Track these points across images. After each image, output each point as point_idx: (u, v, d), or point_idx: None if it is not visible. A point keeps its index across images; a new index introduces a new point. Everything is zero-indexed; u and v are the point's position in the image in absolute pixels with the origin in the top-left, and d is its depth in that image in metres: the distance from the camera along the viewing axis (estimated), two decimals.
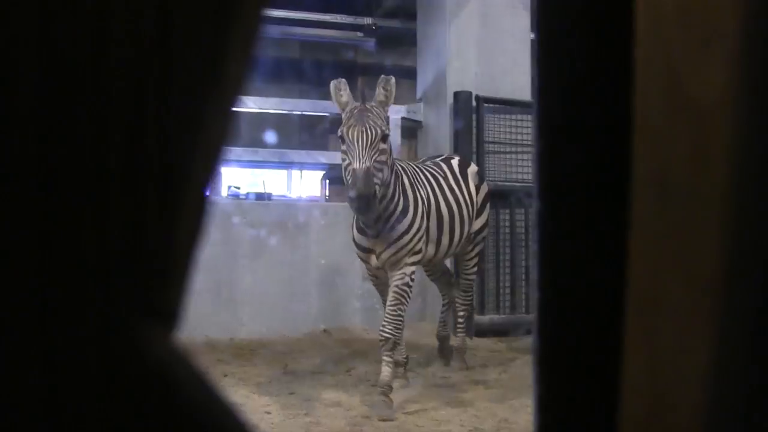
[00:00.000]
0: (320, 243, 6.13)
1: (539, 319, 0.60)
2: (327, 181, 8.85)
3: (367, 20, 8.78)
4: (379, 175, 3.65)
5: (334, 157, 7.39)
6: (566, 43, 0.57)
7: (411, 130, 7.19)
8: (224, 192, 7.47)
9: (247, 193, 7.33)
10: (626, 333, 0.53)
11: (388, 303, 3.98)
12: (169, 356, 0.44)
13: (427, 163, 4.70)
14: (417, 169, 4.37)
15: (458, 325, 4.91)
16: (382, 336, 3.93)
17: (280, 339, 5.58)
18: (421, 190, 4.19)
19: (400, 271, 3.98)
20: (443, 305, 5.05)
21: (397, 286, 3.98)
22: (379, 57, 9.24)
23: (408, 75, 8.13)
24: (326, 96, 8.44)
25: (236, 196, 7.36)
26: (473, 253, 4.84)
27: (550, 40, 0.58)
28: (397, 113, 7.02)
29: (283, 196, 9.09)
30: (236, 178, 9.51)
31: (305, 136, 8.90)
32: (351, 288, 6.25)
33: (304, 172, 10.35)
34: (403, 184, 4.05)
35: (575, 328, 0.57)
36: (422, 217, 4.08)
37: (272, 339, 5.62)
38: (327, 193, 8.80)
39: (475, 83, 6.43)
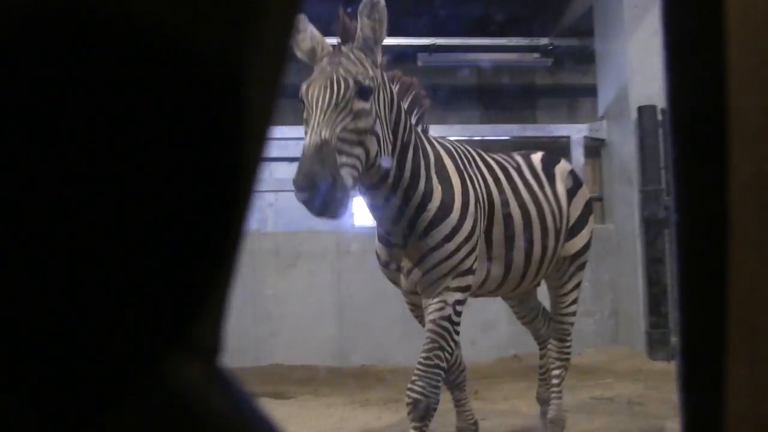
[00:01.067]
0: None
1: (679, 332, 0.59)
2: None
3: (543, 41, 8.70)
4: (354, 152, 2.38)
5: None
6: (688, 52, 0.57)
7: (594, 149, 7.03)
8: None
9: None
10: (729, 352, 0.51)
11: (422, 348, 2.79)
12: (205, 387, 0.43)
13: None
14: (467, 152, 3.08)
15: (553, 389, 3.59)
16: (409, 397, 2.76)
17: (471, 365, 5.58)
18: (475, 180, 2.94)
19: (438, 300, 2.75)
20: (541, 357, 3.83)
21: (433, 321, 2.75)
22: (557, 77, 9.11)
23: (588, 93, 7.97)
24: (507, 120, 8.45)
25: None
26: (569, 286, 3.49)
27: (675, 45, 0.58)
28: (579, 132, 6.90)
29: None
30: None
31: None
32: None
33: None
34: (442, 167, 2.83)
35: (699, 342, 0.56)
36: (475, 219, 2.82)
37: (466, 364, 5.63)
38: None
39: (660, 97, 6.20)
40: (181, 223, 0.39)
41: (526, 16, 8.88)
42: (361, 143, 2.40)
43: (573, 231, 3.41)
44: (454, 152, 2.97)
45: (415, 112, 2.95)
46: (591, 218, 3.53)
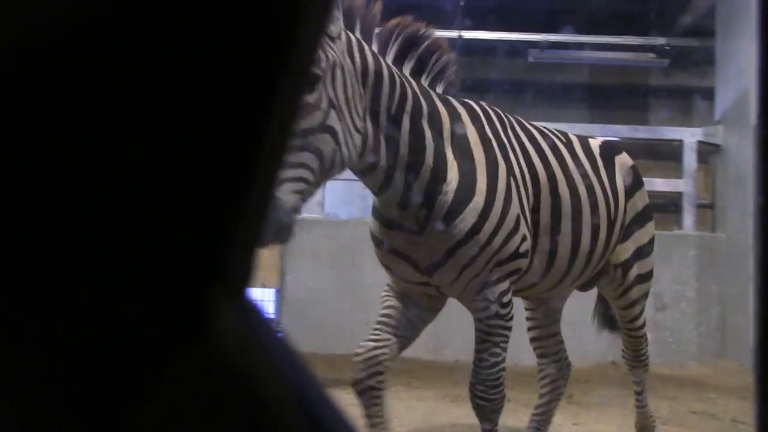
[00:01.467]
0: None
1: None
2: None
3: (660, 40, 8.43)
4: (298, 160, 1.95)
5: None
6: None
7: (708, 154, 6.78)
8: None
9: None
10: None
11: (475, 349, 2.52)
12: (236, 319, 0.43)
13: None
14: (503, 117, 2.60)
15: (636, 397, 3.36)
16: (473, 402, 2.54)
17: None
18: (512, 149, 2.47)
19: (479, 298, 2.40)
20: (541, 394, 3.42)
21: (480, 321, 2.45)
22: (672, 78, 8.82)
23: (705, 96, 7.68)
24: (617, 120, 8.24)
25: None
26: (631, 296, 3.09)
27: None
28: (693, 136, 6.66)
29: None
30: None
31: None
32: None
33: None
34: (461, 136, 2.36)
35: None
36: (510, 196, 2.36)
37: None
38: None
39: None
40: (203, 154, 0.40)
41: (643, 15, 8.63)
42: (306, 147, 1.96)
43: (626, 234, 2.98)
44: (482, 116, 2.45)
45: (438, 73, 2.45)
46: (650, 225, 3.14)
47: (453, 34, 8.39)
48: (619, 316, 3.19)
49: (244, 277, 0.44)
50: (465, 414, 4.05)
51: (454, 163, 2.30)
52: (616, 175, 2.96)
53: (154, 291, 0.39)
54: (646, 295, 3.16)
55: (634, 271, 3.04)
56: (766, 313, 0.57)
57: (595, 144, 3.02)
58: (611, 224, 2.83)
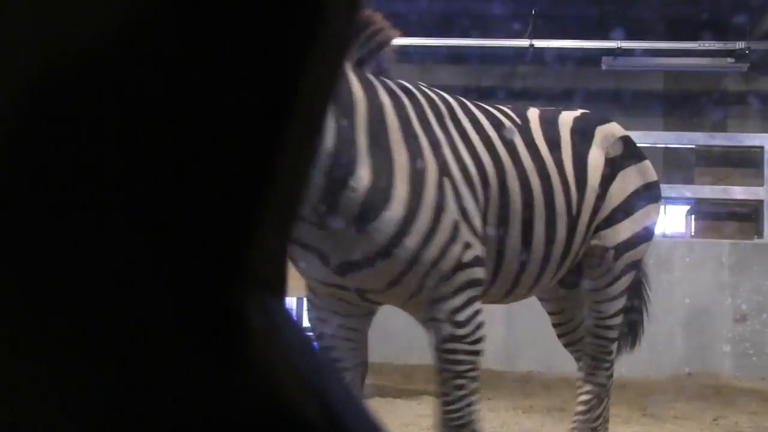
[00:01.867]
0: (685, 282, 5.83)
1: None
2: (692, 216, 8.39)
3: (740, 44, 8.22)
4: None
5: (700, 191, 7.02)
6: None
7: None
8: None
9: None
10: None
11: (437, 389, 2.16)
12: (263, 320, 0.42)
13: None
14: (442, 103, 2.24)
15: (575, 419, 2.92)
16: None
17: (641, 380, 5.40)
18: (448, 148, 2.09)
19: (428, 316, 2.08)
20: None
21: (436, 348, 2.10)
22: (752, 83, 8.59)
23: None
24: (693, 127, 8.06)
25: None
26: (613, 289, 2.69)
27: None
28: None
29: None
30: None
31: (670, 169, 8.55)
32: (719, 330, 5.84)
33: (669, 206, 9.92)
34: (380, 130, 1.99)
35: None
36: (441, 202, 1.99)
37: (633, 379, 5.45)
38: (693, 229, 8.34)
39: None
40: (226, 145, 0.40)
41: (721, 19, 8.43)
42: None
43: (616, 216, 2.59)
44: (410, 106, 2.07)
45: (367, 53, 2.09)
46: (652, 207, 2.74)
47: (524, 43, 8.37)
48: (594, 312, 2.71)
49: (272, 277, 0.44)
50: (537, 426, 4.03)
51: (367, 160, 1.92)
52: (592, 149, 2.54)
53: (176, 291, 0.40)
54: (627, 291, 2.77)
55: (627, 258, 2.66)
56: None
57: (567, 118, 2.59)
58: (577, 212, 2.43)
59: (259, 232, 0.42)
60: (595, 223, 2.54)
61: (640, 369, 5.61)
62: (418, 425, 3.90)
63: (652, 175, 2.78)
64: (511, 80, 9.00)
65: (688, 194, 7.04)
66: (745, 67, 8.34)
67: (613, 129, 2.68)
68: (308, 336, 0.48)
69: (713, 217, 8.12)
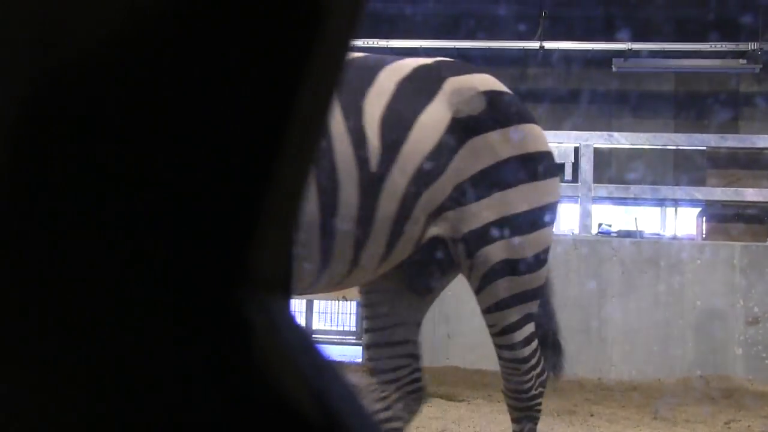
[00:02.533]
0: (696, 284, 5.80)
1: None
2: (703, 218, 8.36)
3: (752, 45, 8.18)
4: None
5: (711, 193, 6.99)
6: None
7: None
8: (594, 229, 7.43)
9: (619, 231, 7.20)
10: None
11: None
12: (266, 321, 0.42)
13: None
14: None
15: None
16: None
17: (651, 382, 5.37)
18: None
19: None
20: None
21: None
22: (764, 84, 8.55)
23: None
24: (705, 129, 8.03)
25: (607, 233, 7.27)
26: (495, 294, 2.21)
27: None
28: None
29: (656, 234, 8.75)
30: (608, 215, 9.38)
31: (680, 171, 8.52)
32: (731, 333, 5.81)
33: (679, 209, 9.88)
34: None
35: None
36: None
37: (643, 382, 5.42)
38: (704, 231, 8.30)
39: None
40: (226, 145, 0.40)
41: (732, 19, 8.39)
42: None
43: (464, 194, 2.06)
44: None
45: None
46: (534, 187, 2.15)
47: (535, 45, 8.35)
48: (487, 326, 2.31)
49: (274, 277, 0.44)
50: (547, 428, 4.01)
51: None
52: (431, 105, 2.04)
53: (177, 291, 0.40)
54: (531, 298, 2.23)
55: (496, 254, 2.09)
56: None
57: (405, 65, 2.13)
58: (384, 186, 1.94)
59: (260, 232, 0.42)
60: (430, 203, 2.02)
61: (651, 372, 5.58)
62: (429, 427, 3.89)
63: (536, 144, 2.17)
64: (521, 82, 8.99)
65: (699, 196, 7.00)
66: (757, 68, 8.30)
67: (473, 81, 2.10)
68: (309, 336, 0.48)
69: (724, 219, 8.07)
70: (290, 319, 0.46)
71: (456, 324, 5.86)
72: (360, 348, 6.18)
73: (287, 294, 0.45)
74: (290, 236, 0.45)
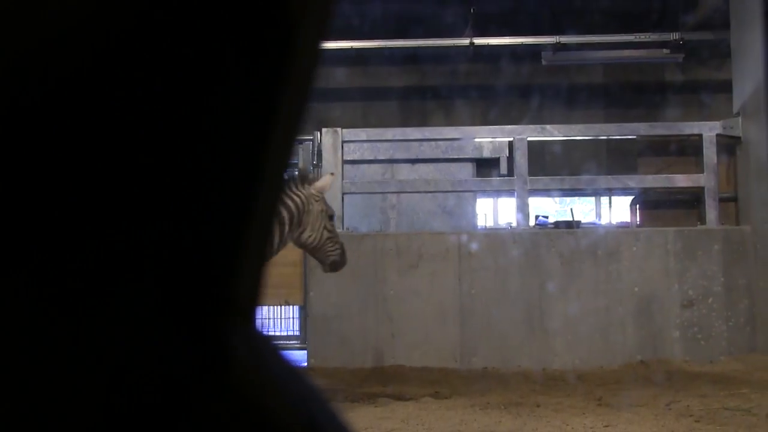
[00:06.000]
0: (633, 270, 5.92)
1: None
2: (637, 205, 8.53)
3: (674, 35, 8.38)
4: None
5: (643, 181, 7.13)
6: None
7: (728, 147, 6.72)
8: (532, 221, 7.52)
9: (556, 222, 7.30)
10: None
11: None
12: (241, 345, 0.43)
13: None
14: None
15: None
16: None
17: (595, 370, 5.46)
18: None
19: None
20: None
21: None
22: (688, 73, 8.77)
23: (723, 89, 7.63)
24: (633, 119, 8.19)
25: (544, 225, 7.36)
26: None
27: None
28: (711, 130, 6.60)
29: (593, 223, 8.90)
30: (544, 207, 9.51)
31: (613, 160, 8.69)
32: (669, 317, 5.94)
33: (613, 197, 10.07)
34: None
35: None
36: None
37: (586, 370, 5.51)
38: (638, 219, 8.48)
39: None
40: (209, 181, 0.41)
41: (655, 11, 8.59)
42: None
43: None
44: None
45: None
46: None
47: (464, 41, 8.41)
48: None
49: (249, 305, 0.44)
50: (494, 421, 4.03)
51: None
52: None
53: (165, 321, 0.40)
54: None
55: None
56: None
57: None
58: None
59: (242, 262, 0.43)
60: None
61: (594, 359, 5.68)
62: (379, 428, 3.87)
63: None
64: (453, 79, 9.05)
65: (632, 184, 7.14)
66: (680, 57, 8.51)
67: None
68: (292, 364, 0.48)
69: (657, 205, 8.26)
70: (272, 346, 0.46)
71: (399, 323, 5.86)
72: (305, 352, 6.15)
73: (254, 318, 0.46)
74: (263, 265, 0.46)
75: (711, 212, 6.38)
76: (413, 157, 7.81)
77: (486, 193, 8.06)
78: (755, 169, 6.24)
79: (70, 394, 0.38)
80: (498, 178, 7.74)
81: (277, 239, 4.27)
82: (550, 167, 7.99)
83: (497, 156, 8.24)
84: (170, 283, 0.40)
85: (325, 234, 4.49)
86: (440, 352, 5.85)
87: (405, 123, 8.18)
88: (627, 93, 8.85)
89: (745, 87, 6.45)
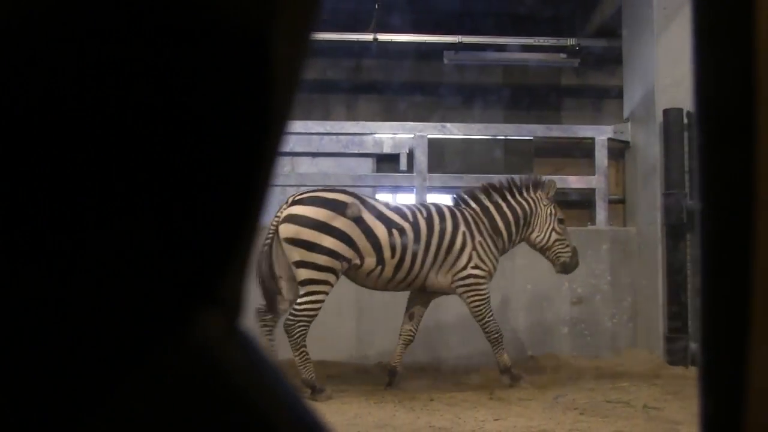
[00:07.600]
0: (526, 268, 6.08)
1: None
2: None
3: (571, 41, 8.65)
4: None
5: None
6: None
7: (618, 150, 6.99)
8: None
9: None
10: (752, 347, 0.52)
11: None
12: (225, 341, 0.44)
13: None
14: None
15: None
16: None
17: (486, 366, 5.59)
18: None
19: None
20: None
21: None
22: (583, 77, 9.07)
23: (615, 95, 7.92)
24: (531, 120, 8.41)
25: None
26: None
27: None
28: (603, 134, 6.86)
29: None
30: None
31: (511, 160, 8.90)
32: (558, 314, 6.15)
33: None
34: None
35: (721, 337, 0.56)
36: None
37: (478, 364, 5.64)
38: None
39: (687, 100, 6.15)
40: (206, 182, 0.42)
41: (554, 16, 8.84)
42: None
43: None
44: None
45: None
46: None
47: (368, 37, 8.44)
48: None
49: (238, 303, 0.46)
50: (389, 416, 4.08)
51: None
52: None
53: (163, 326, 0.41)
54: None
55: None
56: (709, 306, 0.59)
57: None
58: None
59: (234, 267, 0.44)
60: None
61: (487, 354, 5.81)
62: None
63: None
64: (356, 74, 9.07)
65: None
66: (576, 62, 8.78)
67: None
68: (277, 367, 0.50)
69: None
70: (258, 351, 0.47)
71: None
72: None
73: (240, 319, 0.47)
74: (247, 267, 0.47)
75: (601, 213, 6.63)
76: (314, 150, 7.78)
77: (385, 188, 8.12)
78: (642, 174, 6.52)
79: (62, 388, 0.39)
80: (398, 174, 7.81)
81: (506, 237, 5.05)
82: (449, 165, 8.12)
83: (398, 152, 8.31)
84: (166, 282, 0.41)
85: (554, 236, 5.08)
86: (337, 347, 5.88)
87: (307, 116, 8.15)
88: (526, 95, 9.07)
89: (634, 93, 6.72)
